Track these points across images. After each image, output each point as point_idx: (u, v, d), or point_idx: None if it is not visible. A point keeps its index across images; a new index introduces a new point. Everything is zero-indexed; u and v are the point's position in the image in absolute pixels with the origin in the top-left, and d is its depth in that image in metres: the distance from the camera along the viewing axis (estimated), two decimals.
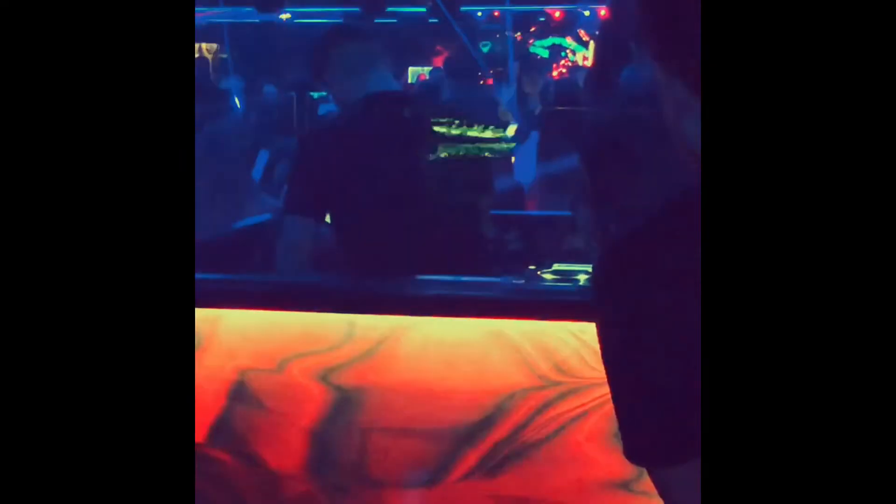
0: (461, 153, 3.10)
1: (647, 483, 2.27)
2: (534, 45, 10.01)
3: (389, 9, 8.07)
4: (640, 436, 1.21)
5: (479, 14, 10.56)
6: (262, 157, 5.76)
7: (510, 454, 2.54)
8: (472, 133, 3.17)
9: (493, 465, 2.56)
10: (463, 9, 8.36)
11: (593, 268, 1.22)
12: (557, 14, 11.01)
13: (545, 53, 9.38)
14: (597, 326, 1.23)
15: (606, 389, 1.59)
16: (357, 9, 6.89)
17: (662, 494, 1.21)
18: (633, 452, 1.23)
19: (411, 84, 7.37)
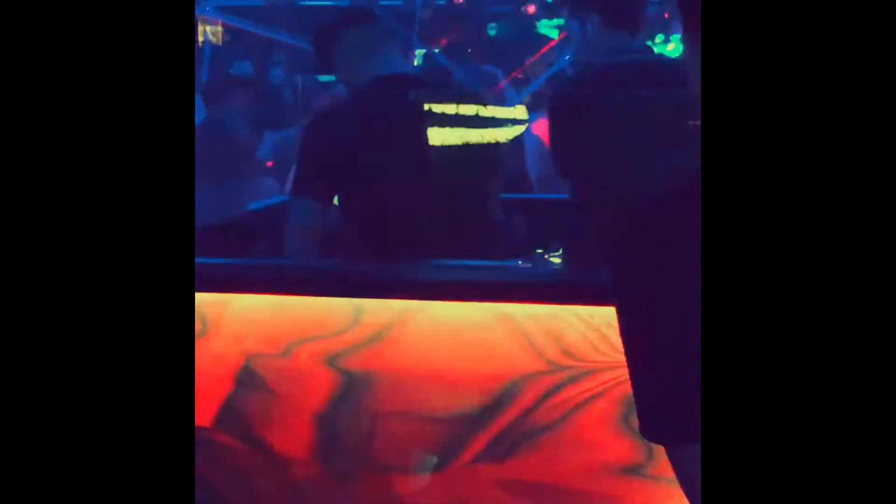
0: (469, 135, 3.08)
1: (656, 467, 2.27)
2: (541, 24, 9.94)
3: None
4: (656, 413, 1.20)
5: None
6: (269, 140, 5.76)
7: (518, 439, 2.53)
8: (481, 115, 3.16)
9: (501, 449, 2.55)
10: None
11: (611, 246, 1.22)
12: None
13: (554, 34, 9.33)
14: (615, 304, 1.22)
15: (615, 373, 1.59)
16: None
17: (678, 473, 1.20)
18: (650, 430, 1.22)
19: (419, 66, 7.35)
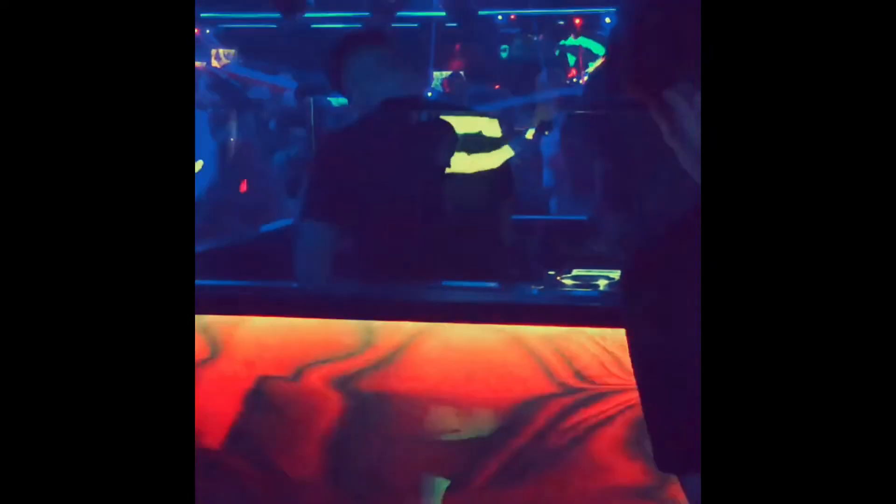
0: (480, 158, 3.08)
1: (668, 491, 2.25)
2: (559, 48, 10.00)
3: (408, 13, 8.08)
4: (671, 444, 1.19)
5: (500, 17, 10.54)
6: (278, 160, 5.77)
7: (530, 462, 2.52)
8: (493, 137, 3.15)
9: (513, 472, 2.53)
10: (481, 12, 8.33)
11: (622, 272, 1.21)
12: (578, 21, 11.01)
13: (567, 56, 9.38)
14: (626, 333, 1.21)
15: (627, 396, 1.57)
16: (370, 13, 6.88)
17: (693, 502, 1.19)
18: (664, 461, 1.21)
19: (432, 88, 7.37)
